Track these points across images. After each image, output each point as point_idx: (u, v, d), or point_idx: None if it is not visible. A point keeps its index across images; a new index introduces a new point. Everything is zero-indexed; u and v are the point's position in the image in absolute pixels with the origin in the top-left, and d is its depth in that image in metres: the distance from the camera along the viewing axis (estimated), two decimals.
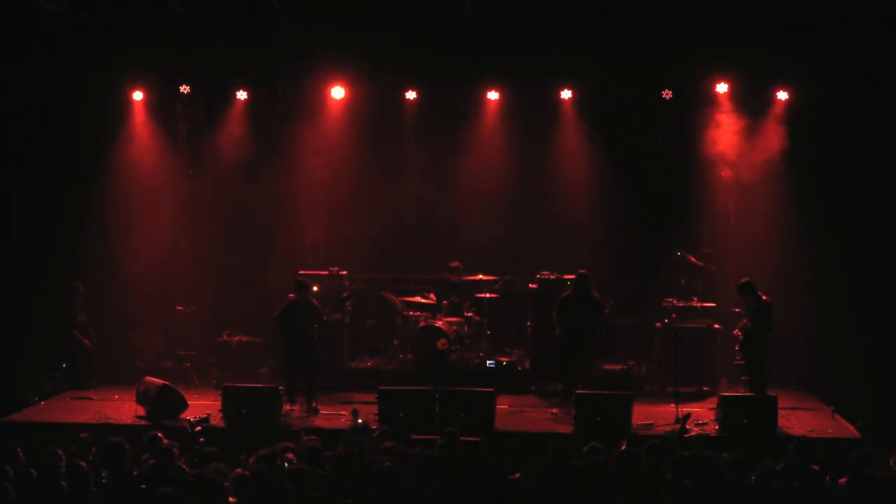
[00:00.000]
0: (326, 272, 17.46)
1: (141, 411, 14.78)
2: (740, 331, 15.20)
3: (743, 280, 15.21)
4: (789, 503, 9.39)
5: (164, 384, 14.87)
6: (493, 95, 18.13)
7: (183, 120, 18.46)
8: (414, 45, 17.21)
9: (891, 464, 10.44)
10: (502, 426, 14.23)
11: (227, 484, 9.40)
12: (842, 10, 16.00)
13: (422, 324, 16.93)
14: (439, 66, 17.57)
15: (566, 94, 17.91)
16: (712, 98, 17.57)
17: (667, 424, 14.04)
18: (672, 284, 17.29)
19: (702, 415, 14.68)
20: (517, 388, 16.44)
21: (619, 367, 16.87)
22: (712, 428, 14.15)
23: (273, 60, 17.72)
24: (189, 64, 17.76)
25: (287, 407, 14.98)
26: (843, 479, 9.82)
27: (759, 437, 13.52)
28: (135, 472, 9.76)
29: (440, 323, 16.85)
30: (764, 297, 14.91)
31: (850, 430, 14.17)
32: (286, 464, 10.10)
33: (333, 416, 14.84)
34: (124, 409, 15.05)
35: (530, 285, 17.07)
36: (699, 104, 17.60)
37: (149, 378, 15.24)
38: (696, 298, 16.98)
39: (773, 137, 17.35)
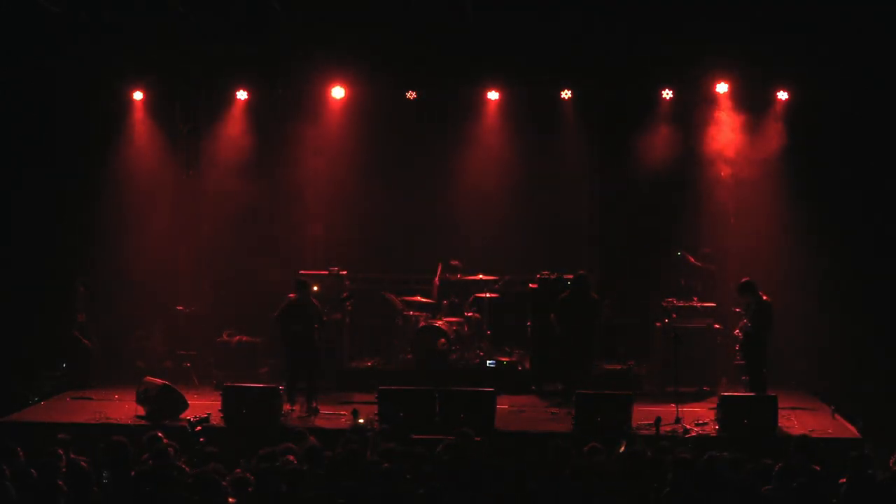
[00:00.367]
0: (326, 272, 17.44)
1: (141, 411, 14.78)
2: (740, 331, 15.18)
3: (743, 280, 15.20)
4: (789, 503, 9.38)
5: (165, 384, 14.88)
6: (493, 95, 18.13)
7: (183, 120, 18.48)
8: (414, 45, 17.19)
9: (891, 464, 10.42)
10: (502, 426, 14.21)
11: (226, 484, 9.40)
12: (842, 10, 16.02)
13: (422, 324, 16.92)
14: (439, 66, 17.54)
15: (566, 94, 17.90)
16: (712, 98, 17.59)
17: (667, 424, 14.03)
18: (672, 284, 17.29)
19: (702, 415, 14.68)
20: (517, 388, 16.42)
21: (619, 367, 16.89)
22: (712, 428, 14.14)
23: (273, 60, 17.71)
24: (189, 64, 17.73)
25: (287, 407, 14.96)
26: (843, 479, 9.82)
27: (759, 437, 13.50)
28: (132, 473, 9.74)
29: (440, 323, 16.84)
30: (764, 297, 14.89)
31: (850, 430, 14.17)
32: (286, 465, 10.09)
33: (333, 416, 14.85)
34: (124, 409, 15.05)
35: (530, 285, 17.06)
36: (699, 104, 17.63)
37: (149, 378, 15.25)
38: (696, 298, 16.99)
39: (773, 137, 17.38)
